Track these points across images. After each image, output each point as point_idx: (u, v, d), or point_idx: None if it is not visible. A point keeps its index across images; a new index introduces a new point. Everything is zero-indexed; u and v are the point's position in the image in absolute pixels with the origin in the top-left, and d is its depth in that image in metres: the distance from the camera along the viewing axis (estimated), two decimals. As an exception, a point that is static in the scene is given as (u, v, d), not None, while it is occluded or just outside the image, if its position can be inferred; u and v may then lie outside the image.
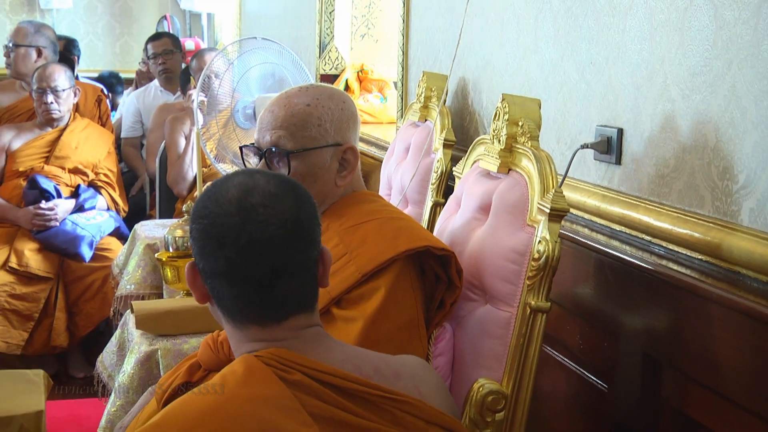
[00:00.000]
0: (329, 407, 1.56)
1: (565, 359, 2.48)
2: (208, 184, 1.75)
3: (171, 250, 3.23)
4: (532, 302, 2.09)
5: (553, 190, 2.10)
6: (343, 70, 5.17)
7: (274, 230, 1.61)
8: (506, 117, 2.29)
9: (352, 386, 1.60)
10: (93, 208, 5.13)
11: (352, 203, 2.33)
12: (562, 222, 2.12)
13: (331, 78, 5.14)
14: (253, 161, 2.37)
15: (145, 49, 6.61)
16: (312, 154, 2.29)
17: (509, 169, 2.28)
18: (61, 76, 5.08)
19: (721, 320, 1.91)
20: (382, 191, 3.51)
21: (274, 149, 2.28)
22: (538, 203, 2.12)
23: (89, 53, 8.27)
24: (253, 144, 2.36)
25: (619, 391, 2.29)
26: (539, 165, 2.17)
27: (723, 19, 1.97)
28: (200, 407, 1.53)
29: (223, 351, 2.34)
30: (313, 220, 1.69)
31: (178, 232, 3.22)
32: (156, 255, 3.39)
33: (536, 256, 2.09)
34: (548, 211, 2.07)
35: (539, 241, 2.09)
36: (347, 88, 5.00)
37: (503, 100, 2.31)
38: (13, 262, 4.84)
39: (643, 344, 2.19)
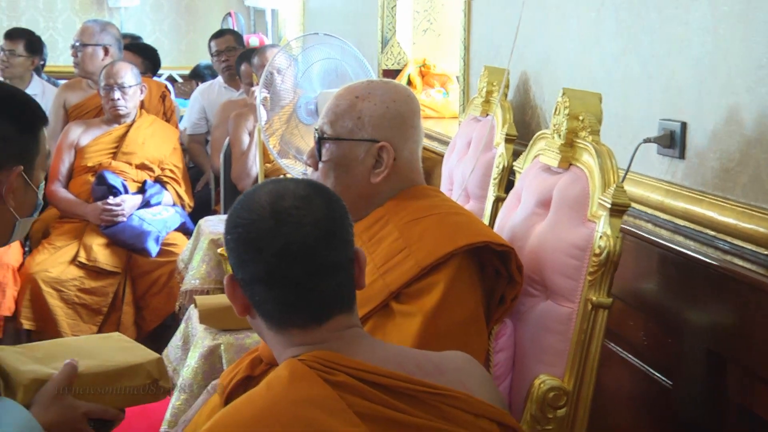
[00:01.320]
0: (375, 406, 1.57)
1: (628, 355, 2.45)
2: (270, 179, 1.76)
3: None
4: (594, 298, 2.07)
5: (615, 185, 2.07)
6: (405, 65, 5.15)
7: (309, 231, 1.63)
8: (567, 112, 2.27)
9: (397, 383, 1.61)
10: (159, 203, 5.19)
11: (412, 198, 2.32)
12: (624, 217, 2.09)
13: (394, 73, 5.14)
14: None
15: (209, 47, 6.66)
16: (344, 144, 2.30)
17: (570, 164, 2.26)
18: (127, 74, 5.15)
19: (787, 317, 1.88)
20: (444, 186, 3.50)
21: (319, 135, 2.34)
22: (599, 198, 2.10)
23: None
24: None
25: (683, 387, 2.25)
26: (600, 160, 2.14)
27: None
28: (248, 413, 1.54)
29: (284, 346, 2.36)
30: (345, 220, 1.70)
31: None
32: (219, 250, 3.42)
33: (597, 251, 2.07)
34: (609, 206, 2.05)
35: (600, 237, 2.06)
36: (409, 82, 4.99)
37: (563, 94, 2.29)
38: (82, 257, 4.92)
39: (707, 341, 2.16)
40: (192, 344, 3.06)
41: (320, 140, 2.33)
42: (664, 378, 2.31)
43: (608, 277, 2.07)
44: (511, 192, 2.54)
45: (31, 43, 6.28)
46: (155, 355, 2.35)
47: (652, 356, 2.36)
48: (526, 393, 2.16)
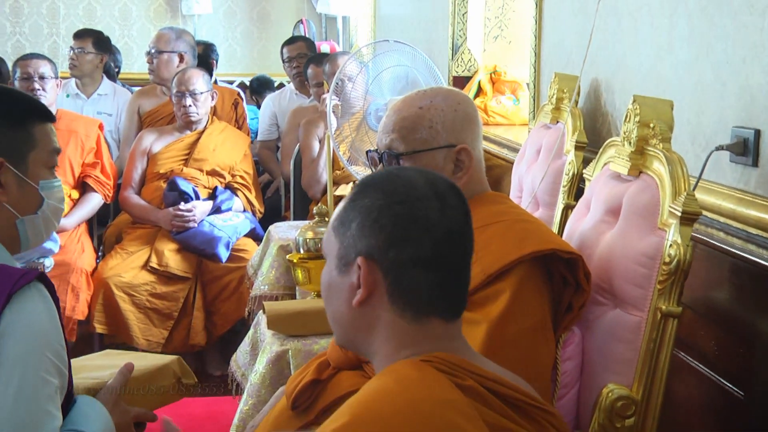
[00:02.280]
0: (497, 416, 1.55)
1: (699, 365, 2.43)
2: (394, 175, 1.74)
3: (302, 251, 3.27)
4: (663, 307, 2.06)
5: (685, 193, 2.06)
6: (475, 71, 5.15)
7: (463, 218, 1.65)
8: (637, 119, 2.27)
9: (513, 395, 1.60)
10: (230, 209, 5.23)
11: (480, 204, 2.31)
12: (696, 225, 2.08)
13: (464, 80, 5.13)
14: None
15: (281, 53, 6.71)
16: (423, 156, 2.30)
17: (640, 172, 2.26)
18: (199, 80, 5.21)
19: None
20: (513, 193, 3.49)
21: (388, 153, 2.32)
22: (670, 206, 2.09)
23: (228, 58, 8.41)
24: (375, 149, 2.39)
25: (756, 398, 2.23)
26: (671, 167, 2.13)
27: None
28: (392, 408, 1.50)
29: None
30: None
31: (309, 234, 3.26)
32: (287, 256, 3.44)
33: (667, 260, 2.06)
34: (680, 214, 2.04)
35: (670, 245, 2.06)
36: (480, 89, 4.98)
37: (634, 101, 2.28)
38: (154, 262, 4.99)
39: (780, 351, 2.14)
40: (260, 350, 3.08)
41: (397, 158, 2.31)
42: (735, 388, 2.28)
43: (678, 285, 2.06)
44: (581, 199, 2.54)
45: (99, 41, 6.36)
46: (174, 356, 2.43)
47: (724, 366, 2.34)
48: (594, 402, 2.15)
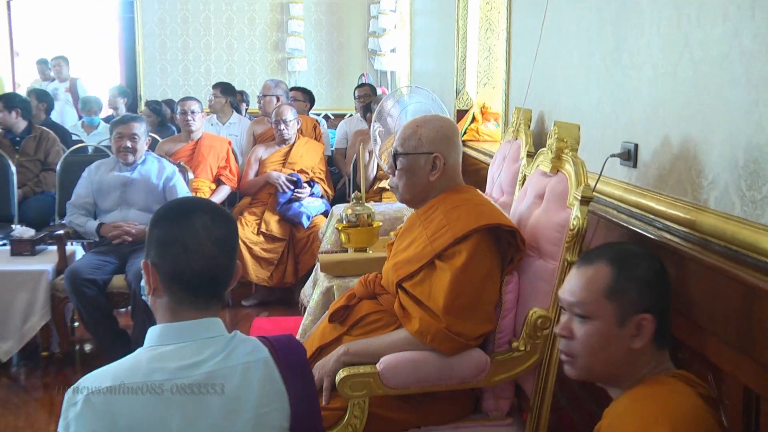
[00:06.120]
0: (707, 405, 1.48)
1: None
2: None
3: (344, 222, 3.29)
4: (569, 258, 2.06)
5: (584, 184, 2.05)
6: (471, 106, 5.13)
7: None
8: (556, 136, 2.26)
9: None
10: (312, 194, 5.27)
11: (454, 193, 2.32)
12: (598, 205, 2.08)
13: (463, 112, 5.12)
14: None
15: (353, 93, 6.76)
16: (410, 157, 2.30)
17: (557, 170, 2.25)
18: (288, 113, 5.26)
19: (694, 271, 1.83)
20: (488, 185, 3.48)
21: (394, 152, 2.34)
22: (574, 193, 2.09)
23: (318, 97, 8.42)
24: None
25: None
26: (576, 168, 2.13)
27: (698, 69, 1.88)
28: (686, 409, 1.40)
29: (371, 287, 2.37)
30: None
31: (349, 211, 3.25)
32: (335, 225, 3.46)
33: (572, 227, 2.06)
34: (580, 198, 2.03)
35: (574, 218, 2.05)
36: (474, 118, 4.95)
37: (554, 125, 2.27)
38: (263, 228, 5.06)
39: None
40: (317, 284, 3.12)
41: (395, 156, 2.33)
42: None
43: (579, 244, 2.05)
44: (521, 189, 2.53)
45: (224, 88, 6.46)
46: None
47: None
48: (524, 319, 2.16)
